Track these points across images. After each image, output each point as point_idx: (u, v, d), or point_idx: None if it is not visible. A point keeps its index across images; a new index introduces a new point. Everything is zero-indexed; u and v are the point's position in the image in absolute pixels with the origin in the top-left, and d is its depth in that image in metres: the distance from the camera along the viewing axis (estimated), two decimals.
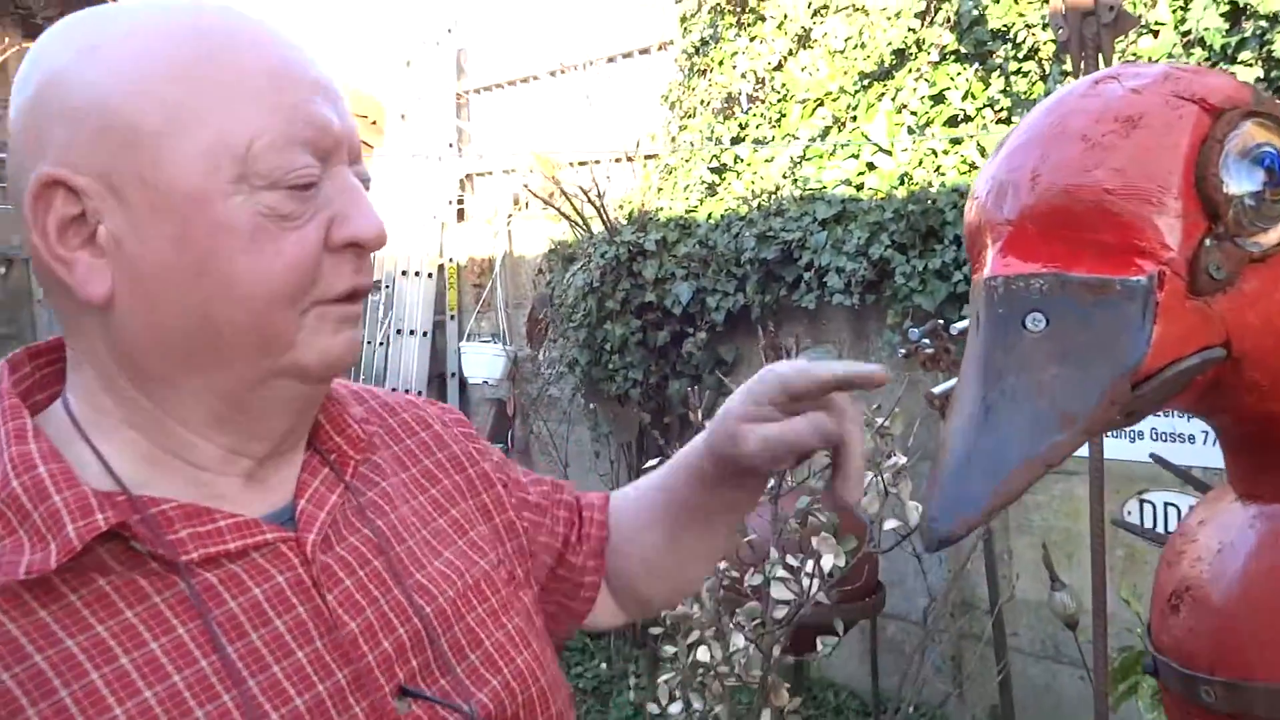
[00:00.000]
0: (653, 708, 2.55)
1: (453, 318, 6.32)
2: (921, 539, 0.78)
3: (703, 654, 2.28)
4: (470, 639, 0.77)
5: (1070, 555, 3.28)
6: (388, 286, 6.24)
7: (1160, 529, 3.02)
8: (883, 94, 3.68)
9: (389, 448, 0.85)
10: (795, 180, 3.87)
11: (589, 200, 4.49)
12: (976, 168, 3.32)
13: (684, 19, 4.74)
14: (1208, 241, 0.73)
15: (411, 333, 6.20)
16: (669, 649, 2.58)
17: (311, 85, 0.68)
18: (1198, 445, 2.90)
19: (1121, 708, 2.50)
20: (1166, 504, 3.06)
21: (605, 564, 0.99)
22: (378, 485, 0.81)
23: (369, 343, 6.26)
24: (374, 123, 6.67)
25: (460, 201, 6.42)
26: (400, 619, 0.73)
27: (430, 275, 6.24)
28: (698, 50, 4.65)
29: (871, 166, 3.65)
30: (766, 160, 4.13)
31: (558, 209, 4.93)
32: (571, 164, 5.32)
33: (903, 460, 2.36)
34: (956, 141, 3.40)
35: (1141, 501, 3.11)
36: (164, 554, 0.64)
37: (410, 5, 6.60)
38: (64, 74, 0.64)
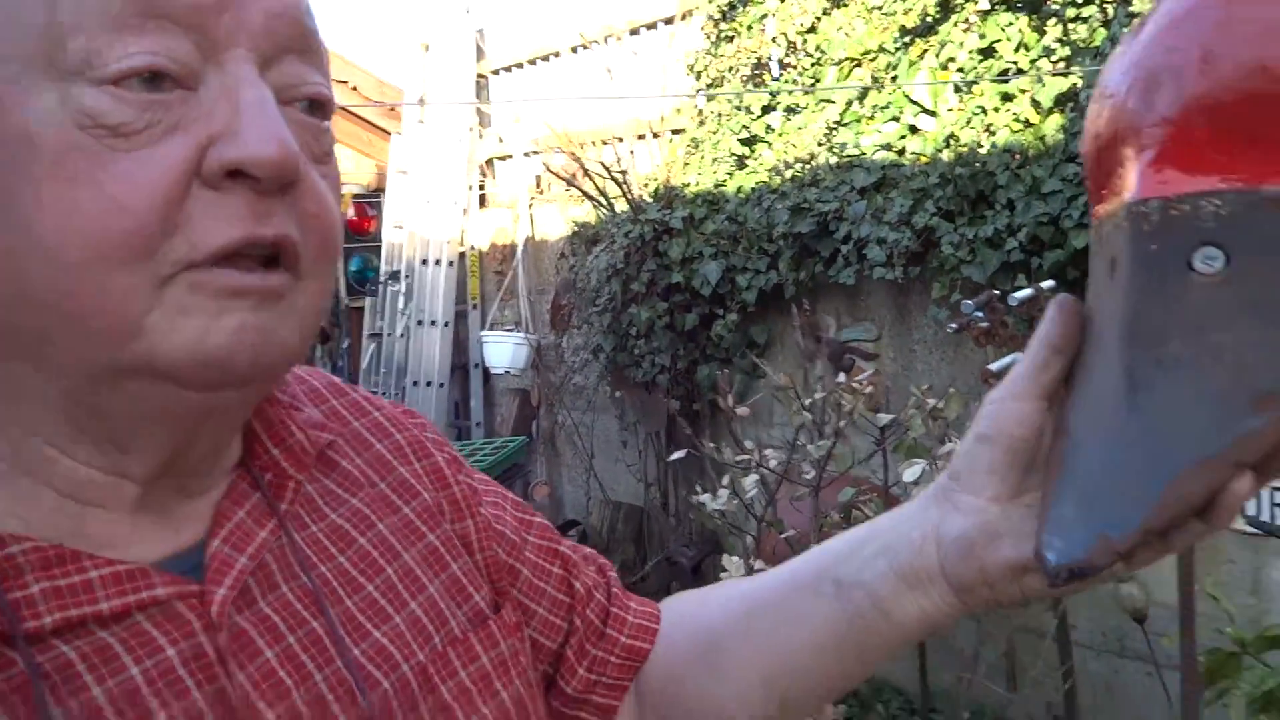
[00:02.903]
0: None
1: (475, 306, 6.15)
2: (1042, 574, 0.56)
3: None
4: None
5: None
6: (408, 276, 6.06)
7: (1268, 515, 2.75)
8: (925, 50, 3.42)
9: (353, 457, 0.63)
10: (831, 147, 3.63)
11: (611, 177, 4.27)
12: (1031, 125, 3.05)
13: None
14: None
15: (433, 323, 6.03)
16: None
17: None
18: None
19: (1206, 713, 2.26)
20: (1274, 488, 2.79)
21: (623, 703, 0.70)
22: (335, 509, 0.59)
23: (388, 335, 6.10)
24: (393, 109, 6.49)
25: (481, 187, 6.23)
26: (342, 705, 0.51)
27: (451, 263, 6.06)
28: (724, 15, 4.41)
29: (914, 129, 3.40)
30: (800, 128, 3.89)
31: (580, 189, 4.72)
32: (594, 142, 5.11)
33: (957, 446, 2.13)
34: (1008, 98, 3.13)
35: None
36: None
37: None
38: None
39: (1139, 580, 2.80)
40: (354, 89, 6.31)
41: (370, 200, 6.47)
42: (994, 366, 1.82)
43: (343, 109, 5.87)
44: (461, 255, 6.14)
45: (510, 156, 5.98)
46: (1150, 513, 0.52)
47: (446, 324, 6.04)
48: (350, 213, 6.30)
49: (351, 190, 6.41)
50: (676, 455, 2.54)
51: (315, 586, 0.54)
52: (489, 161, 6.23)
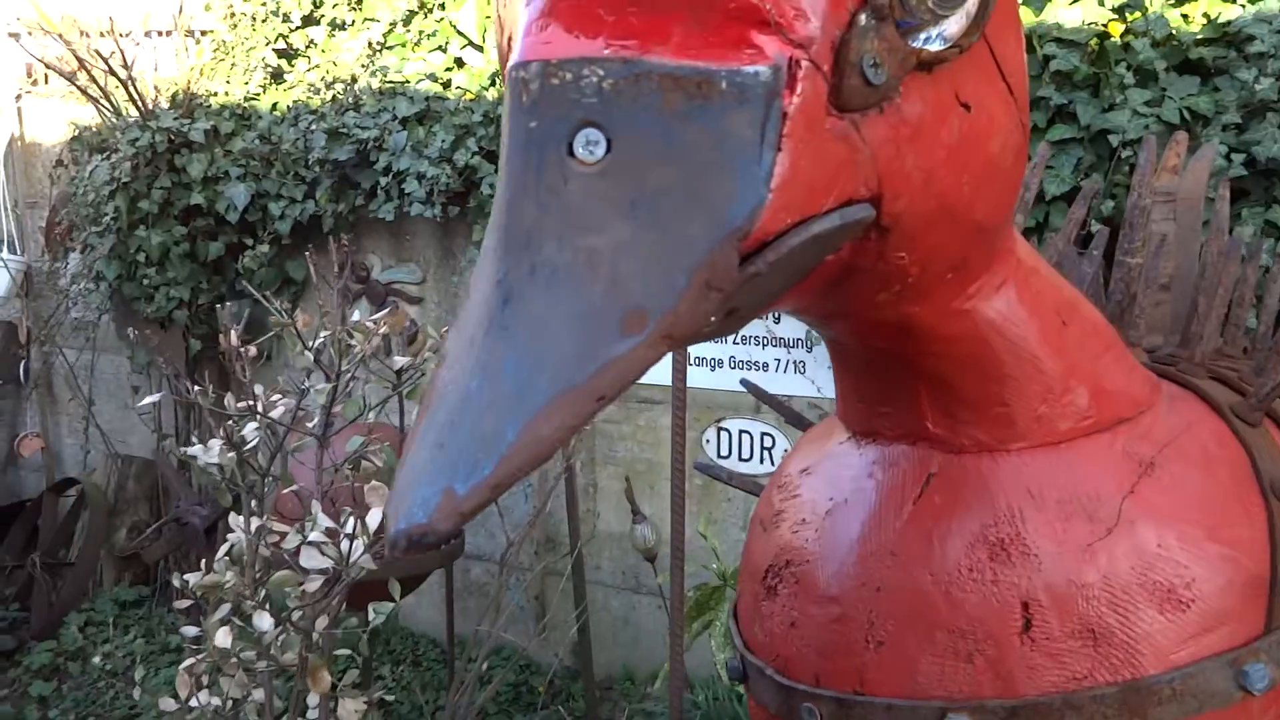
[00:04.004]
0: (167, 702, 2.03)
1: None
2: (386, 537, 0.42)
3: (221, 638, 1.80)
4: None
5: (652, 486, 3.21)
6: None
7: (736, 458, 3.03)
8: None
9: None
10: (374, 71, 3.36)
11: (113, 73, 3.62)
12: None
13: None
14: (863, 17, 0.43)
15: None
16: (190, 630, 2.08)
17: None
18: (773, 373, 2.90)
19: (695, 645, 2.44)
20: (741, 431, 3.07)
21: None
22: None
23: None
24: None
25: None
26: None
27: None
28: None
29: (460, 63, 3.25)
30: (345, 48, 3.57)
31: (79, 87, 3.96)
32: (102, 33, 4.32)
33: None
34: None
35: (719, 430, 3.10)
36: None
37: None
38: None
39: (651, 522, 2.97)
40: None
41: None
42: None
43: None
44: None
45: None
46: (501, 461, 0.40)
47: None
48: None
49: None
50: (150, 400, 2.18)
51: None
52: None
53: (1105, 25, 2.27)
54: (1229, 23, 2.21)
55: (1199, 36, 2.22)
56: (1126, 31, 2.25)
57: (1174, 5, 2.31)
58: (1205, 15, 2.24)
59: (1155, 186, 0.96)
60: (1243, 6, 2.25)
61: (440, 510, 0.40)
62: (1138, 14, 2.30)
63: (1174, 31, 2.23)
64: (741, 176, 0.42)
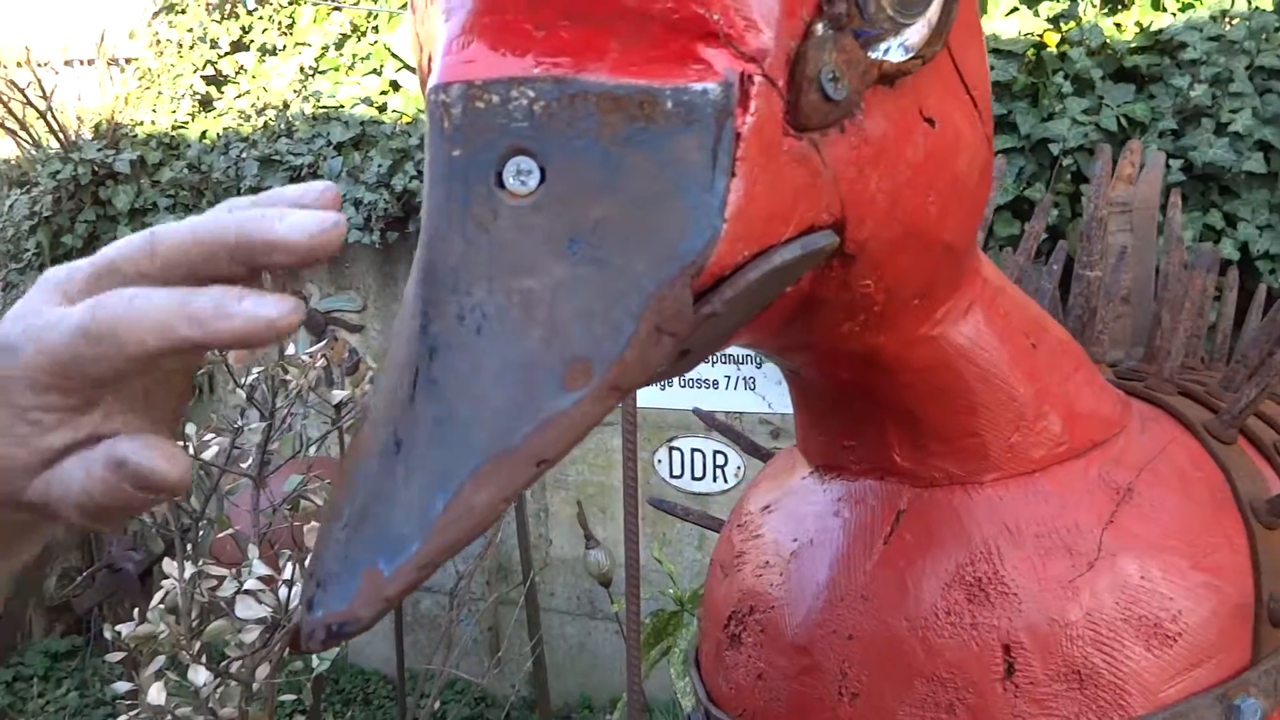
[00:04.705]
0: None
1: None
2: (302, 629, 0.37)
3: (155, 694, 1.71)
4: None
5: (605, 509, 3.15)
6: None
7: (689, 477, 2.98)
8: (406, 2, 3.22)
9: None
10: (306, 96, 3.29)
11: (30, 104, 3.50)
12: None
13: None
14: (819, 27, 0.39)
15: None
16: (122, 685, 1.97)
17: None
18: (723, 390, 2.87)
19: (656, 669, 2.38)
20: (693, 450, 3.03)
21: None
22: None
23: None
24: None
25: None
26: None
27: None
28: None
29: (396, 86, 3.19)
30: (278, 73, 3.48)
31: None
32: (19, 63, 4.18)
33: None
34: None
35: (671, 449, 3.06)
36: None
37: None
38: None
39: (605, 547, 2.91)
40: None
41: None
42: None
43: None
44: None
45: None
46: (429, 536, 0.35)
47: None
48: None
49: None
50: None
51: None
52: None
53: (1041, 35, 2.29)
54: (1161, 31, 2.24)
55: (1133, 45, 2.24)
56: (1062, 41, 2.27)
57: (1108, 14, 2.34)
58: (1138, 24, 2.27)
59: (1110, 197, 0.94)
60: (1174, 15, 2.28)
61: (362, 595, 0.35)
62: (1073, 24, 2.32)
63: (1108, 40, 2.25)
64: (692, 206, 0.37)
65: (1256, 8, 2.19)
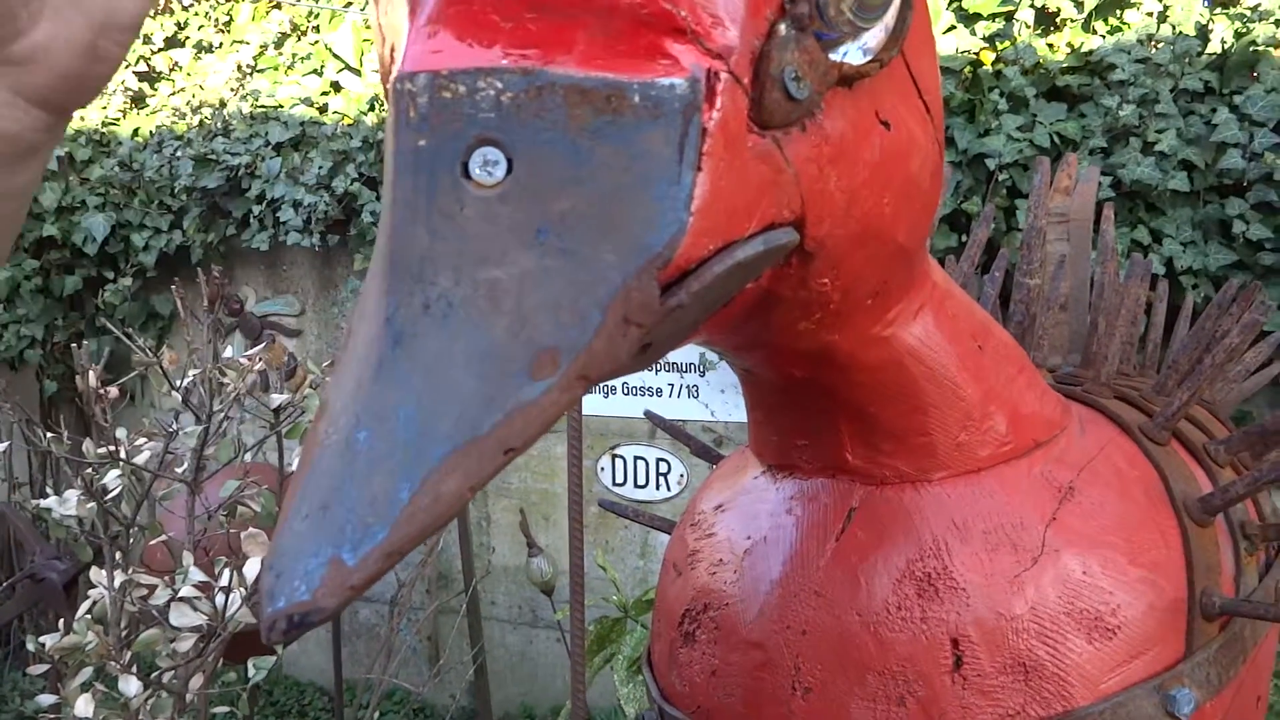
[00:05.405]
0: None
1: None
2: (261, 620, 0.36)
3: (82, 706, 1.65)
4: None
5: (548, 517, 3.14)
6: None
7: (632, 485, 2.98)
8: (350, 2, 3.18)
9: None
10: (244, 95, 3.22)
11: None
12: None
13: None
14: (782, 27, 0.40)
15: None
16: (46, 698, 1.90)
17: None
18: (666, 398, 2.88)
19: (599, 676, 2.37)
20: (636, 457, 3.04)
21: None
22: None
23: None
24: None
25: None
26: None
27: None
28: None
29: (337, 87, 3.15)
30: (213, 71, 3.41)
31: None
32: None
33: None
34: None
35: (614, 457, 3.06)
36: None
37: None
38: None
39: (548, 554, 2.90)
40: None
41: None
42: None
43: None
44: None
45: None
46: (396, 525, 0.35)
47: None
48: None
49: None
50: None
51: None
52: None
53: (978, 54, 2.35)
54: (1091, 52, 2.32)
55: (1065, 65, 2.32)
56: (997, 60, 2.34)
57: (1041, 35, 2.41)
58: (1069, 45, 2.35)
59: (1049, 208, 0.97)
60: (1103, 37, 2.36)
61: (326, 584, 0.34)
62: (1007, 43, 2.39)
63: (1041, 60, 2.32)
64: (659, 199, 0.38)
65: (1181, 32, 2.27)
